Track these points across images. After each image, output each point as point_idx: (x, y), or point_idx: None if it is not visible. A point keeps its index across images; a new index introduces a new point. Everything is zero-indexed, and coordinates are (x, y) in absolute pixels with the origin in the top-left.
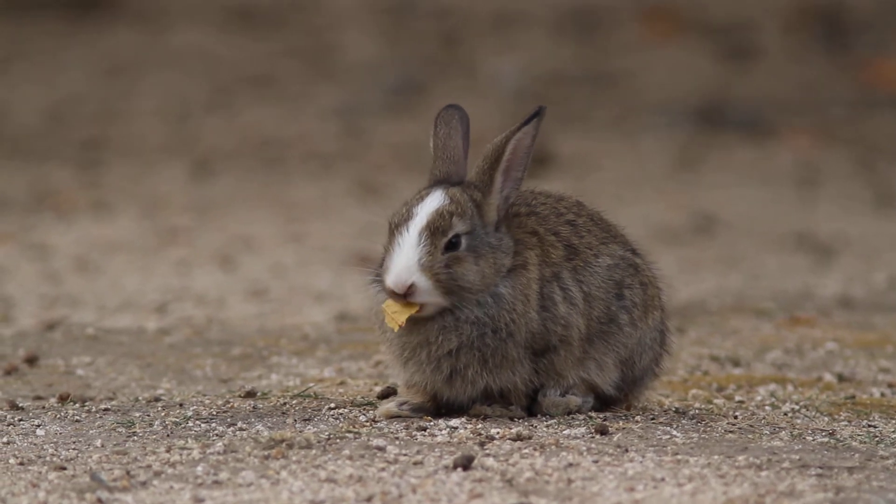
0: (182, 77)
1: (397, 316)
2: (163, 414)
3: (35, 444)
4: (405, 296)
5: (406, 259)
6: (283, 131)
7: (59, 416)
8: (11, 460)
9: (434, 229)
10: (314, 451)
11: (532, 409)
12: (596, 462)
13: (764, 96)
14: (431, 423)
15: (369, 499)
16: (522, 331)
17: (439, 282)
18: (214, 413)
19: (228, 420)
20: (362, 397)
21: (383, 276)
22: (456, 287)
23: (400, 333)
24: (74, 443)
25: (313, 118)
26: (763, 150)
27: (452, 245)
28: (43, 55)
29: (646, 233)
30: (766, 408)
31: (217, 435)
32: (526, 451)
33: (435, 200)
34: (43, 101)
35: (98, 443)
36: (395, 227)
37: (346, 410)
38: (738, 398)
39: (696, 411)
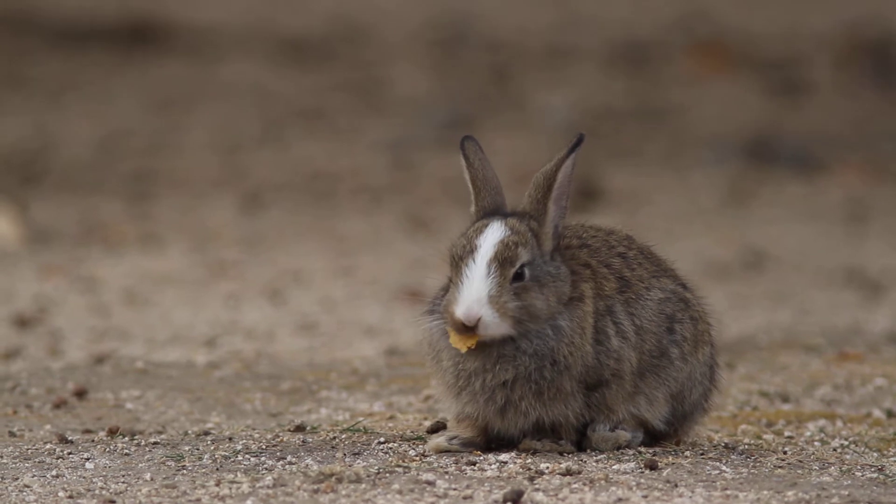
0: (232, 110)
1: (460, 346)
2: (212, 448)
3: (84, 478)
4: (472, 328)
5: (477, 291)
6: (334, 165)
7: (108, 449)
8: (61, 493)
9: (502, 260)
10: (364, 486)
11: (581, 443)
12: (645, 497)
13: (814, 131)
14: (481, 458)
15: None
16: (578, 364)
17: (506, 314)
18: (264, 447)
19: (278, 454)
20: (412, 432)
21: (450, 308)
22: (525, 317)
23: (456, 361)
24: (124, 476)
25: (363, 152)
26: (813, 186)
27: (518, 276)
28: (94, 87)
29: (695, 268)
30: (816, 443)
31: (266, 469)
32: (575, 485)
33: (497, 231)
34: (93, 134)
35: (147, 476)
36: (460, 259)
37: (395, 445)
38: (787, 434)
39: (746, 447)
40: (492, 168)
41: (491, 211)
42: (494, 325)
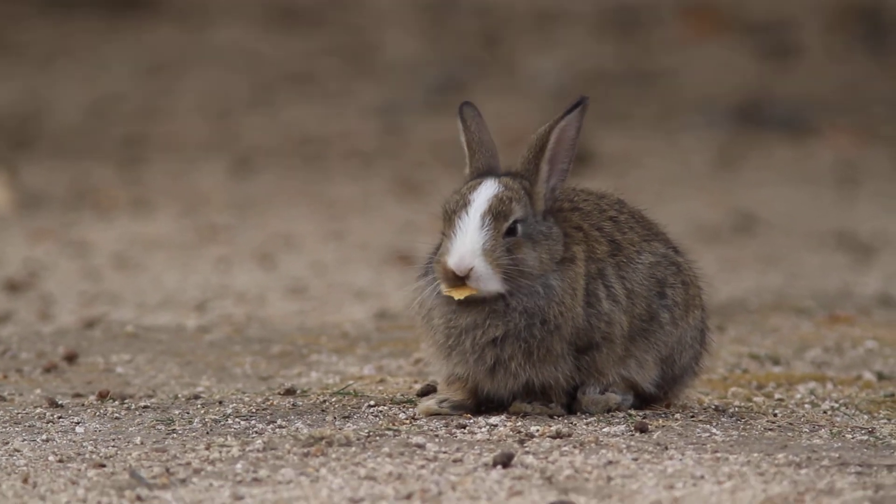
0: (223, 74)
1: (454, 293)
2: (202, 411)
3: (74, 442)
4: (464, 279)
5: (470, 242)
6: (324, 129)
7: (98, 413)
8: (51, 457)
9: (496, 214)
10: (354, 449)
11: (571, 406)
12: (635, 460)
13: (804, 95)
14: (471, 421)
15: (409, 496)
16: (569, 325)
17: (499, 267)
18: (254, 410)
19: (268, 417)
20: (402, 395)
21: (442, 258)
22: (516, 272)
23: (448, 318)
24: (114, 440)
25: (354, 116)
26: (803, 149)
27: (511, 231)
28: (84, 52)
29: (686, 231)
30: (806, 406)
31: (256, 432)
32: (565, 448)
33: (491, 187)
34: (84, 99)
35: (137, 440)
36: (453, 213)
37: (385, 408)
38: (777, 396)
39: (736, 409)
40: (488, 132)
41: (484, 171)
42: (487, 277)
